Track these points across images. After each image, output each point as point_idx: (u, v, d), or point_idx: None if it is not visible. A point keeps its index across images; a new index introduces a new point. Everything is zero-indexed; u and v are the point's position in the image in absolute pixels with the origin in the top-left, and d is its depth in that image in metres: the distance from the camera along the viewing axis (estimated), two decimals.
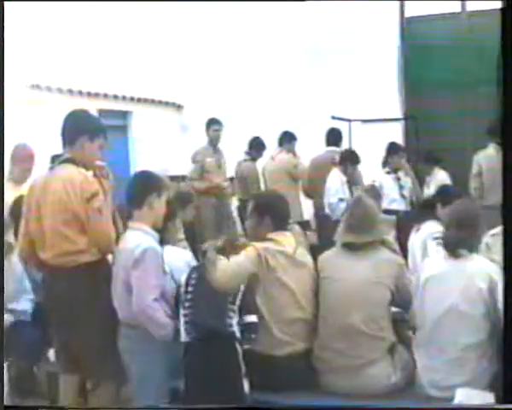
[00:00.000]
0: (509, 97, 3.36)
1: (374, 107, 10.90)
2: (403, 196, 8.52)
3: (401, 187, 8.57)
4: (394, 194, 8.32)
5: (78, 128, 4.33)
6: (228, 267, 4.11)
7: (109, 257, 4.48)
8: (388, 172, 8.65)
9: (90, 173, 4.29)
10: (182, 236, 5.48)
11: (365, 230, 4.31)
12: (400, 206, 8.39)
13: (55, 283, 4.25)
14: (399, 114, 11.47)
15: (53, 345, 4.61)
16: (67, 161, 4.25)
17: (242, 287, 4.12)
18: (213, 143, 8.91)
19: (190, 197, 6.28)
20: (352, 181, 7.98)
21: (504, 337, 3.31)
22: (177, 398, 4.15)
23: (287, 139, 9.18)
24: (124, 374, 4.23)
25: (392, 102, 11.32)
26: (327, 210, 8.14)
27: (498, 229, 5.08)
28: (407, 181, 8.58)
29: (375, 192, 6.44)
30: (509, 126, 3.34)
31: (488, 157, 7.82)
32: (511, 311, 3.30)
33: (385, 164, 8.72)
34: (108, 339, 4.22)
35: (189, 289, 4.12)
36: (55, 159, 4.41)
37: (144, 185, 4.26)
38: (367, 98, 11.03)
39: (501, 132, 3.46)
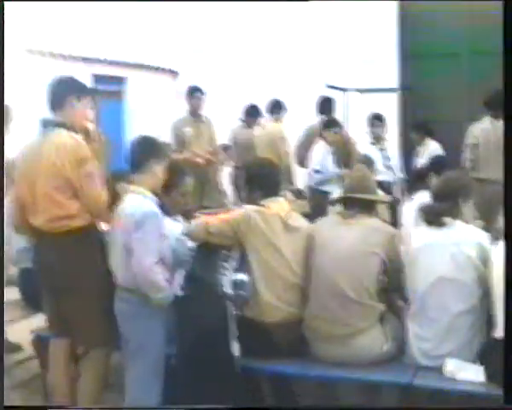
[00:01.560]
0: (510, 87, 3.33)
1: (370, 76, 10.85)
2: (387, 167, 8.54)
3: (386, 158, 8.58)
4: (379, 165, 8.31)
5: (65, 89, 4.34)
6: (201, 222, 4.24)
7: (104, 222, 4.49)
8: (373, 144, 8.67)
9: (81, 137, 4.28)
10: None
11: (364, 189, 4.38)
12: (385, 177, 8.41)
13: (47, 248, 4.25)
14: (396, 84, 11.42)
15: (44, 309, 4.61)
16: (59, 125, 4.24)
17: (237, 248, 4.21)
18: (196, 111, 8.76)
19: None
20: (337, 151, 7.96)
21: (505, 337, 3.31)
22: (171, 364, 4.15)
23: (276, 108, 9.14)
24: (115, 340, 4.24)
25: (388, 72, 11.26)
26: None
27: None
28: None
29: (368, 162, 6.42)
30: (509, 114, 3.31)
31: (483, 129, 7.78)
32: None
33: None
34: (101, 304, 4.23)
35: (190, 252, 4.20)
36: (44, 122, 4.37)
37: (146, 150, 4.25)
38: (363, 67, 10.98)
39: (504, 124, 3.42)
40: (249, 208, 4.27)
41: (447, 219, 4.07)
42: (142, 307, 4.04)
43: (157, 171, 4.22)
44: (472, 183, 4.55)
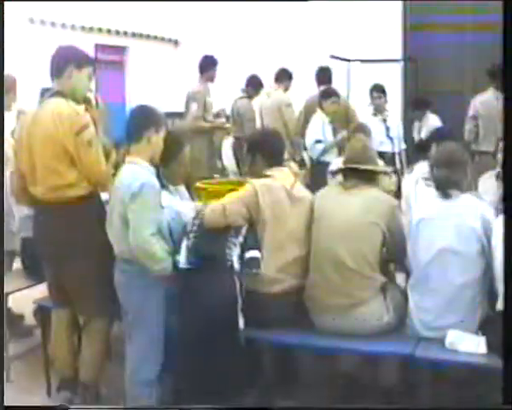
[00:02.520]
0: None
1: (374, 47, 10.78)
2: (390, 138, 8.51)
3: (387, 129, 8.55)
4: (381, 136, 8.29)
5: (65, 58, 4.29)
6: (217, 206, 4.15)
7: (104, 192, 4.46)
8: (375, 115, 8.64)
9: (82, 107, 4.24)
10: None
11: (365, 159, 4.33)
12: (387, 147, 8.38)
13: (47, 217, 4.25)
14: (399, 55, 11.35)
15: (45, 279, 4.60)
16: (56, 94, 4.20)
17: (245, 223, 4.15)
18: (211, 81, 8.73)
19: (187, 137, 6.17)
20: (335, 121, 7.91)
21: (504, 336, 3.30)
22: (171, 333, 4.14)
23: (284, 77, 9.13)
24: (116, 309, 4.23)
25: (392, 43, 11.20)
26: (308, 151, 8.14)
27: (489, 173, 5.11)
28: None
29: (365, 130, 6.36)
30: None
31: (485, 101, 7.73)
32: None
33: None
34: (100, 273, 4.22)
35: (196, 221, 4.14)
36: (44, 92, 4.34)
37: (144, 120, 4.19)
38: (367, 38, 10.92)
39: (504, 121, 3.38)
40: (256, 182, 4.22)
41: (453, 191, 4.04)
42: (140, 278, 4.02)
43: (155, 141, 4.16)
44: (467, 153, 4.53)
